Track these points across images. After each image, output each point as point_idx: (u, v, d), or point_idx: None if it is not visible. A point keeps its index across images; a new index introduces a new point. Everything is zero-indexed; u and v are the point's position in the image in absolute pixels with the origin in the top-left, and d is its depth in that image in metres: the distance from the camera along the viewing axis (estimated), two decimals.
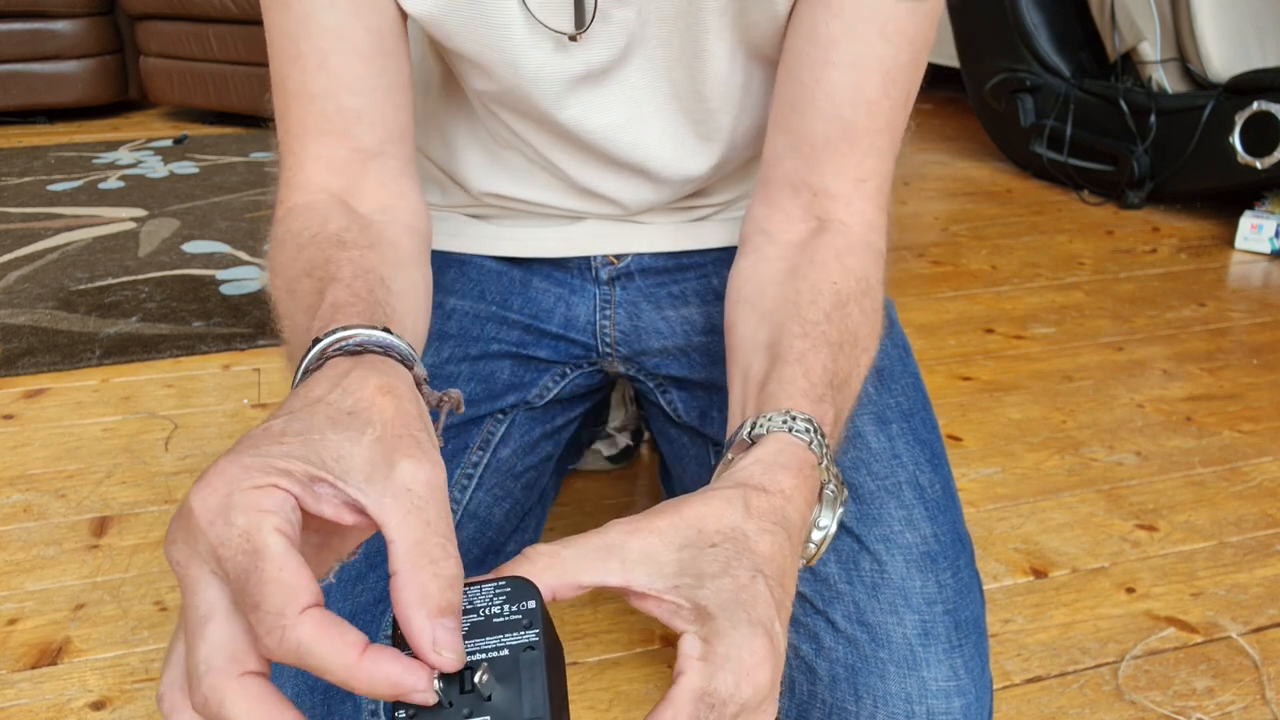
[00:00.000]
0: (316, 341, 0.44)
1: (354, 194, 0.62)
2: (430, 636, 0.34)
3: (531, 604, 0.37)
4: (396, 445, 0.37)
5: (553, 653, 0.37)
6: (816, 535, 0.51)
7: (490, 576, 0.39)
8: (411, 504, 0.36)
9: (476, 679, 0.35)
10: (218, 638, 0.33)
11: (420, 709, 0.34)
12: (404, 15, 0.64)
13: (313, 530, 0.39)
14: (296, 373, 0.45)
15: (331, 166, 0.61)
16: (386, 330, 0.45)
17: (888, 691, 0.62)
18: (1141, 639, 1.03)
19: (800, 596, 0.66)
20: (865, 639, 0.64)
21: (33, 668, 0.98)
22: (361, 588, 0.65)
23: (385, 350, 0.44)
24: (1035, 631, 1.04)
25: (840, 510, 0.52)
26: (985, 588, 1.10)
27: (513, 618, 0.37)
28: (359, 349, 0.43)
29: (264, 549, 0.32)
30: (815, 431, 0.50)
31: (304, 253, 0.55)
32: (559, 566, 0.40)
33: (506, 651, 0.36)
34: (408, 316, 0.54)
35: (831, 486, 0.52)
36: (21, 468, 1.33)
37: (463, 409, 0.49)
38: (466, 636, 0.36)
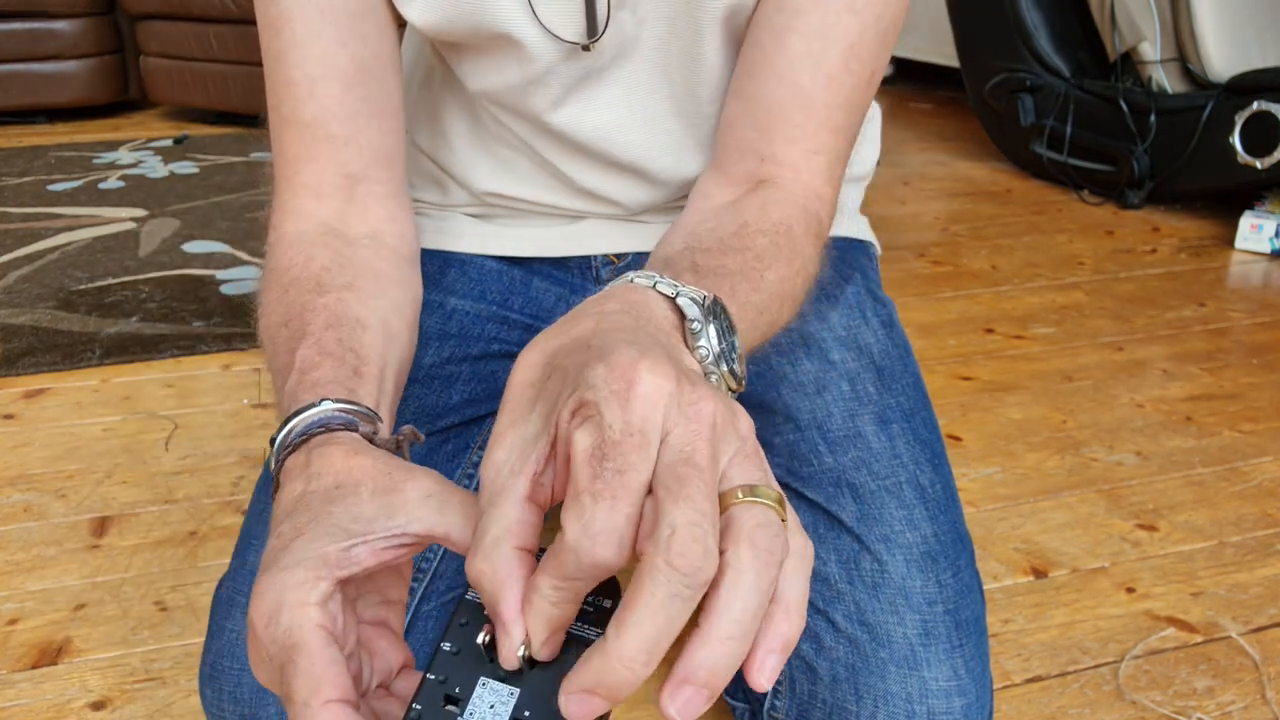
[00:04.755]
0: (281, 430, 0.47)
1: (342, 219, 0.64)
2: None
3: (607, 604, 0.36)
4: (392, 482, 0.40)
5: None
6: (702, 344, 0.41)
7: None
8: (437, 503, 0.38)
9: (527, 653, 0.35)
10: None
11: (463, 648, 0.36)
12: (396, 38, 0.65)
13: (362, 587, 0.41)
14: (270, 457, 0.47)
15: (320, 193, 0.64)
16: (337, 400, 0.47)
17: (888, 691, 0.62)
18: (1142, 639, 1.03)
19: None
20: (866, 639, 0.64)
21: (33, 668, 0.98)
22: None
23: (327, 426, 0.46)
24: (1035, 631, 1.04)
25: (717, 324, 0.42)
26: (985, 588, 1.10)
27: (584, 608, 0.36)
28: (306, 436, 0.45)
29: (299, 643, 0.35)
30: (656, 277, 0.43)
31: (286, 296, 0.57)
32: None
33: (564, 636, 0.36)
34: (379, 349, 0.56)
35: (690, 294, 0.43)
36: (21, 468, 1.33)
37: (422, 439, 0.50)
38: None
